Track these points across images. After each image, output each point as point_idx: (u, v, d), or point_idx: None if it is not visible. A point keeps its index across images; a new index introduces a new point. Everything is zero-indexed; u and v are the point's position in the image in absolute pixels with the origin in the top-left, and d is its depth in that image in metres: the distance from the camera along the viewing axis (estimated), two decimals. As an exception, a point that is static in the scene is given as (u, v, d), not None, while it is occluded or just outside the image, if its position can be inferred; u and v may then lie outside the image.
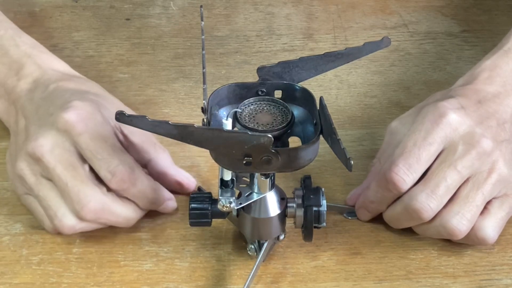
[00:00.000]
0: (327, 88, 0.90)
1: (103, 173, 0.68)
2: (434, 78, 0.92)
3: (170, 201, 0.73)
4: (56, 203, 0.69)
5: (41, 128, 0.70)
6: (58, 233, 0.71)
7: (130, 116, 0.58)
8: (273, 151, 0.60)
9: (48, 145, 0.68)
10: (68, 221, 0.68)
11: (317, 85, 0.89)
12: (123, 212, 0.70)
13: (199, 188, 0.76)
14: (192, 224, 0.68)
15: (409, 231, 0.73)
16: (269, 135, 0.59)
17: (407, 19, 1.01)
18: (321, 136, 0.62)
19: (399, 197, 0.70)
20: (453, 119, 0.70)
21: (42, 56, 0.79)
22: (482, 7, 1.03)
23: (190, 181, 0.76)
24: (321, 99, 0.63)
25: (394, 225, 0.73)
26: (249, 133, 0.59)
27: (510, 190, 0.70)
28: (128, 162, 0.69)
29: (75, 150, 0.69)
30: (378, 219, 0.74)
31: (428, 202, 0.68)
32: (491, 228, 0.70)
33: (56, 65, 0.79)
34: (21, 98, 0.75)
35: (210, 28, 0.98)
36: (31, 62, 0.77)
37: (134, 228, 0.73)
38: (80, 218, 0.68)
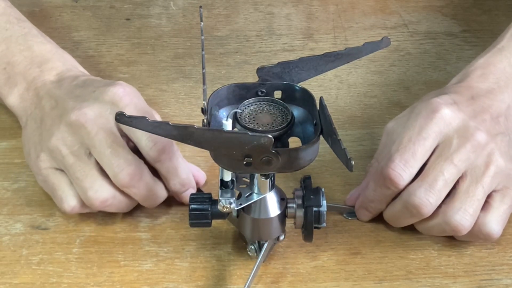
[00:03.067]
0: (327, 88, 0.90)
1: (144, 143, 0.71)
2: (434, 78, 0.92)
3: (192, 189, 0.75)
4: (93, 174, 0.70)
5: (83, 101, 0.72)
6: (76, 212, 0.72)
7: (130, 117, 0.58)
8: (273, 151, 0.60)
9: (91, 114, 0.71)
10: (104, 193, 0.70)
11: (317, 85, 0.89)
12: (154, 186, 0.72)
13: (198, 189, 0.76)
14: (192, 225, 0.68)
15: (409, 231, 0.73)
16: (269, 136, 0.59)
17: (407, 19, 1.01)
18: (321, 136, 0.62)
19: (398, 195, 0.71)
20: (446, 114, 0.70)
21: (66, 56, 0.81)
22: (482, 7, 1.03)
23: (201, 174, 0.77)
24: (321, 99, 0.63)
25: (394, 223, 0.73)
26: (249, 133, 0.59)
27: (509, 183, 0.70)
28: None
29: (116, 122, 0.70)
30: (378, 219, 0.74)
31: (427, 197, 0.68)
32: (495, 223, 0.70)
33: (79, 66, 0.81)
34: (46, 85, 0.76)
35: (210, 28, 0.98)
36: (57, 59, 0.79)
37: (134, 228, 0.74)
38: (117, 181, 0.70)
